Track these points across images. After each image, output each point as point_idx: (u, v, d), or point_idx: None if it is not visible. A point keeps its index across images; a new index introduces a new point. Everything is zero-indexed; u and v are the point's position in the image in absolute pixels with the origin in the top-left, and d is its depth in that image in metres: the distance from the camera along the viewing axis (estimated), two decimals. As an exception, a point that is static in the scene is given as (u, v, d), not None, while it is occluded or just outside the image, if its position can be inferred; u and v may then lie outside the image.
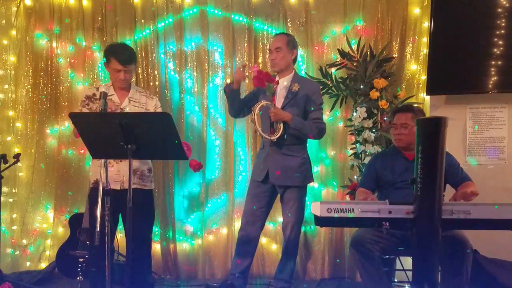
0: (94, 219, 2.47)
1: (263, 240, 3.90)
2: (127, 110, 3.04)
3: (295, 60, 3.25)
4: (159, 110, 3.19)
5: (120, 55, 3.02)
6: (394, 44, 3.75)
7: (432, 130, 1.93)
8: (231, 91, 3.18)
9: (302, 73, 3.85)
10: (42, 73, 4.08)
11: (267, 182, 3.18)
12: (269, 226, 3.79)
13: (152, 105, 3.17)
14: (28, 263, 4.09)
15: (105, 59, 3.10)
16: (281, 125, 3.08)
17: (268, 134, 3.11)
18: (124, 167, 2.99)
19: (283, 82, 3.18)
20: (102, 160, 2.54)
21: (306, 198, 3.26)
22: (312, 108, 3.14)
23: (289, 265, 3.25)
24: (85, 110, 3.08)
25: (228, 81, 3.86)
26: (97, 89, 3.15)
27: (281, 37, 3.24)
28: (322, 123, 3.17)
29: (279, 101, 3.16)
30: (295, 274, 3.82)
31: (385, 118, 3.58)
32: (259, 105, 3.07)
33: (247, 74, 3.32)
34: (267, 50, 3.31)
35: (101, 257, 2.62)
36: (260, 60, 3.90)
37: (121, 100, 3.11)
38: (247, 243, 3.21)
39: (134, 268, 3.19)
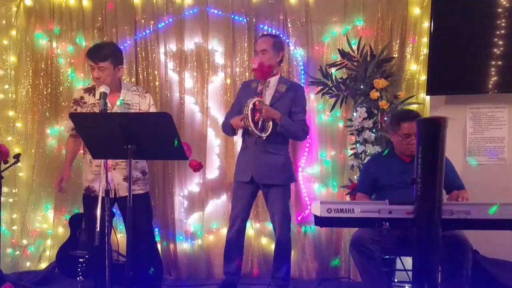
0: (93, 221, 2.46)
1: (263, 240, 3.91)
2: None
3: (281, 62, 3.32)
4: (152, 108, 3.12)
5: (90, 52, 2.93)
6: (394, 44, 3.75)
7: (432, 130, 1.93)
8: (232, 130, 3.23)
9: (302, 73, 3.86)
10: (42, 73, 4.07)
11: (252, 182, 3.22)
12: (269, 226, 3.78)
13: (146, 104, 3.09)
14: (28, 263, 4.08)
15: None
16: (270, 123, 3.10)
17: (259, 131, 3.09)
18: (117, 174, 2.95)
19: (270, 83, 3.20)
20: (102, 161, 2.54)
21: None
22: (298, 110, 3.21)
23: (285, 264, 3.29)
24: None
25: (228, 81, 3.89)
26: (84, 90, 3.06)
27: (267, 39, 3.27)
28: (307, 126, 3.28)
29: (267, 100, 3.17)
30: (295, 273, 3.85)
31: (385, 118, 3.57)
32: (253, 101, 3.05)
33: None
34: (253, 52, 3.29)
35: (101, 257, 2.62)
36: (260, 60, 3.90)
37: (112, 101, 2.97)
38: (239, 243, 3.33)
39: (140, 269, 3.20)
